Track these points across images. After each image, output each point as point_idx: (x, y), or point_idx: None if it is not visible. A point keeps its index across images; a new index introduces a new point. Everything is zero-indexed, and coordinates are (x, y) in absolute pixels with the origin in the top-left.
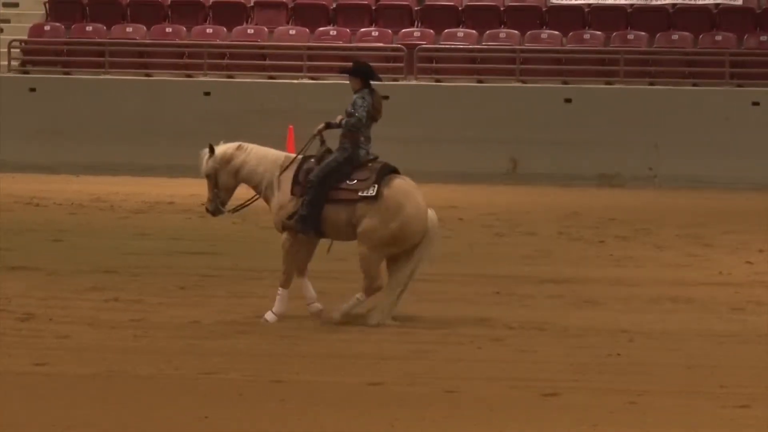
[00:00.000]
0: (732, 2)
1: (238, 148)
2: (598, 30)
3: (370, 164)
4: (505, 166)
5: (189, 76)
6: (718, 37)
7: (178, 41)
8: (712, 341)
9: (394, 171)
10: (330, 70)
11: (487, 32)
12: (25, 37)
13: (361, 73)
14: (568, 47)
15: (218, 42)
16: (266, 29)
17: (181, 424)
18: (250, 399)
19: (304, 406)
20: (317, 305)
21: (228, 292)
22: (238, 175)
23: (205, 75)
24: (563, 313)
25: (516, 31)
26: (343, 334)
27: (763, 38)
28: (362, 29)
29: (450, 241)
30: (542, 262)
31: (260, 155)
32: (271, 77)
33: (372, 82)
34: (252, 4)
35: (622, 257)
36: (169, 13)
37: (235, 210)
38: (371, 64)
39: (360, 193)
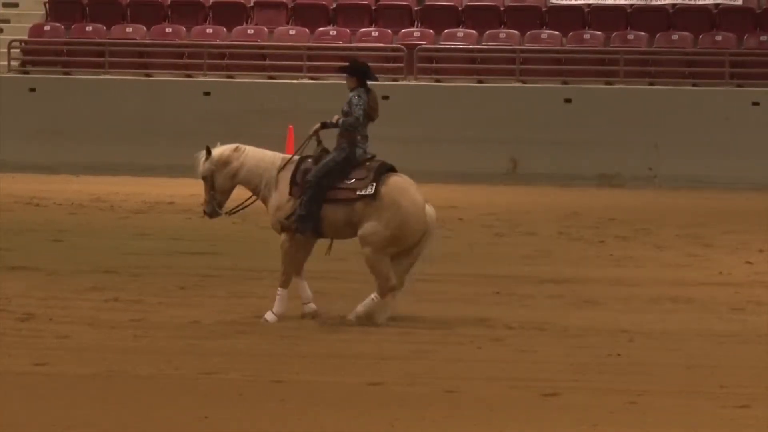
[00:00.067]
0: (732, 2)
1: (235, 149)
2: (598, 30)
3: (367, 163)
4: (505, 166)
5: (189, 76)
6: (718, 37)
7: (178, 41)
8: (712, 341)
9: (392, 169)
10: (330, 70)
11: (487, 32)
12: (25, 37)
13: (358, 72)
14: (568, 47)
15: (218, 42)
16: (266, 29)
17: (181, 424)
18: (250, 399)
19: (304, 406)
20: (312, 306)
21: (228, 292)
22: (236, 178)
23: (205, 75)
24: (563, 313)
25: (516, 31)
26: (343, 334)
27: (763, 38)
28: (362, 29)
29: (450, 241)
30: (542, 262)
31: (257, 157)
32: (271, 77)
33: (369, 82)
34: (252, 4)
35: (622, 257)
36: (169, 13)
37: (232, 212)
38: (371, 64)
39: (358, 192)
